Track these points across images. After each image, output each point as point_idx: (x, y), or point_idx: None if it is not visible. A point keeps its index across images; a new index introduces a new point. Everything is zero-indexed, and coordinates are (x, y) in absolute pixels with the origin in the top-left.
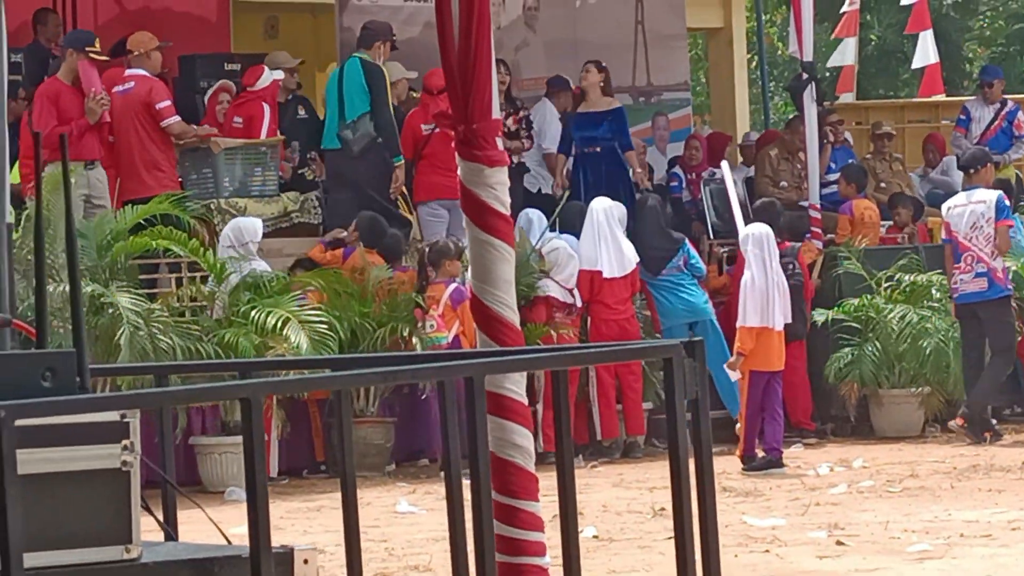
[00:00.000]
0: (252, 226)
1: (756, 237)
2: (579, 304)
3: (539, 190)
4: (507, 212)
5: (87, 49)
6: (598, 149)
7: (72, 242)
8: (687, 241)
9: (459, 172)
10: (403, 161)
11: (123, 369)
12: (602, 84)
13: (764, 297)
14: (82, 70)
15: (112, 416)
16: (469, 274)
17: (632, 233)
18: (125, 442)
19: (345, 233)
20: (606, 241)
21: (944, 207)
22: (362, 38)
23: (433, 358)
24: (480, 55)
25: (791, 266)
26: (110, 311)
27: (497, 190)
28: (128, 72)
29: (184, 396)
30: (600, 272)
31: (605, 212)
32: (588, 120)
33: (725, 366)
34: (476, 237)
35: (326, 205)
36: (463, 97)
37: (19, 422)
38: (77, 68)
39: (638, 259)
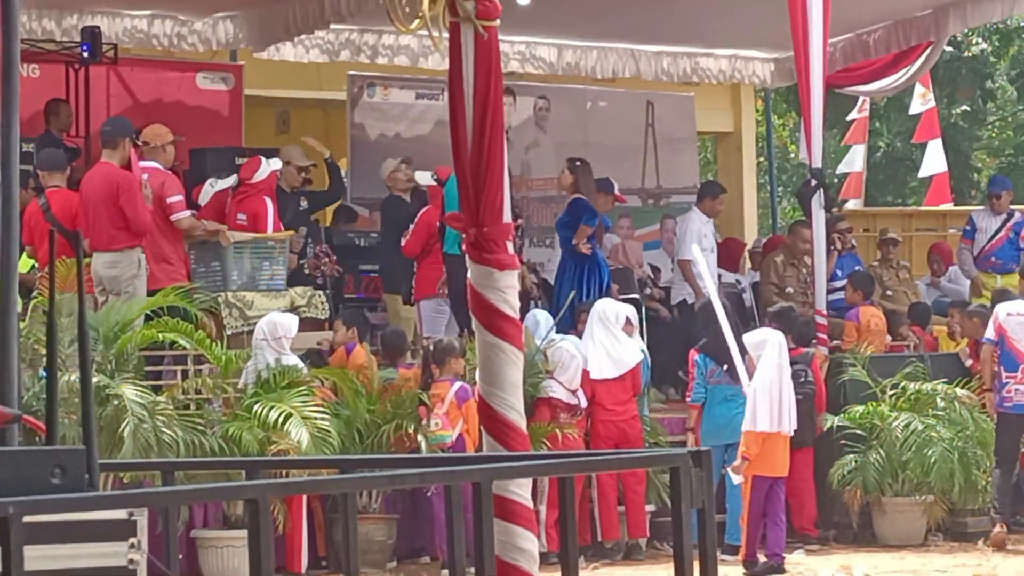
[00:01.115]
0: (287, 322)
1: (772, 343)
2: (583, 405)
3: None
4: (516, 315)
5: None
6: (565, 249)
7: (84, 342)
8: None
9: (469, 274)
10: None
11: (131, 465)
12: (572, 184)
13: (777, 402)
14: (133, 157)
15: (120, 514)
16: (477, 375)
17: (711, 339)
18: (132, 540)
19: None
20: (600, 342)
21: (1001, 311)
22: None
23: (441, 462)
24: (493, 159)
25: (804, 373)
26: (115, 402)
27: (507, 293)
28: (141, 164)
29: (193, 496)
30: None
31: (599, 312)
32: (562, 220)
33: (729, 469)
34: (485, 340)
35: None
36: (475, 200)
37: (27, 518)
38: (129, 155)
39: (640, 359)
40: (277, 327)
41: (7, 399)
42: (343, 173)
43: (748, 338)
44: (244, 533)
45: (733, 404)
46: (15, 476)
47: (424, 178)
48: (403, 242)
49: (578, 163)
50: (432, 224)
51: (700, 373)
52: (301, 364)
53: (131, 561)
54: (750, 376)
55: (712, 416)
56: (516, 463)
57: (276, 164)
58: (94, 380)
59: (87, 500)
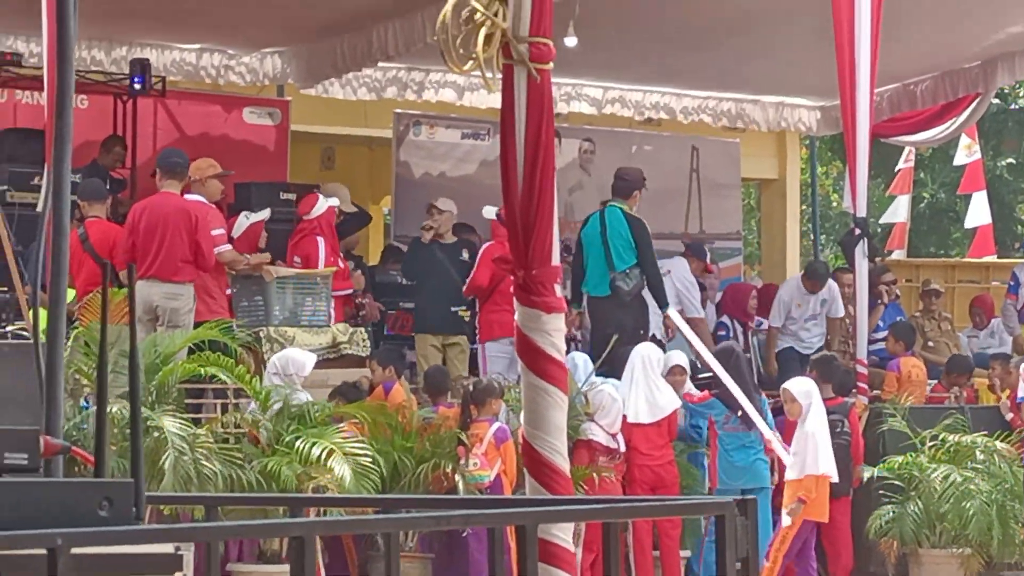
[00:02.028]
0: (301, 360)
1: (816, 390)
2: (622, 449)
3: None
4: (562, 359)
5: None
6: None
7: (135, 375)
8: (764, 397)
9: (516, 316)
10: (669, 310)
11: (176, 498)
12: None
13: (828, 447)
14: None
15: (167, 548)
16: (522, 418)
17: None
18: (178, 574)
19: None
20: (638, 386)
21: None
22: (619, 188)
23: (485, 503)
24: (543, 202)
25: (841, 423)
26: (155, 434)
27: (553, 336)
28: (187, 197)
29: (241, 531)
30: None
31: (641, 357)
32: None
33: (786, 512)
34: (530, 382)
35: (590, 346)
36: (524, 243)
37: (75, 550)
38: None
39: (677, 405)
40: (289, 363)
41: (53, 430)
42: (386, 211)
43: (795, 386)
44: (280, 568)
45: (752, 451)
46: (63, 507)
47: (489, 212)
48: (468, 280)
49: None
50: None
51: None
52: (311, 399)
53: None
54: (793, 421)
55: (731, 461)
56: (562, 507)
57: (333, 200)
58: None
59: (135, 533)
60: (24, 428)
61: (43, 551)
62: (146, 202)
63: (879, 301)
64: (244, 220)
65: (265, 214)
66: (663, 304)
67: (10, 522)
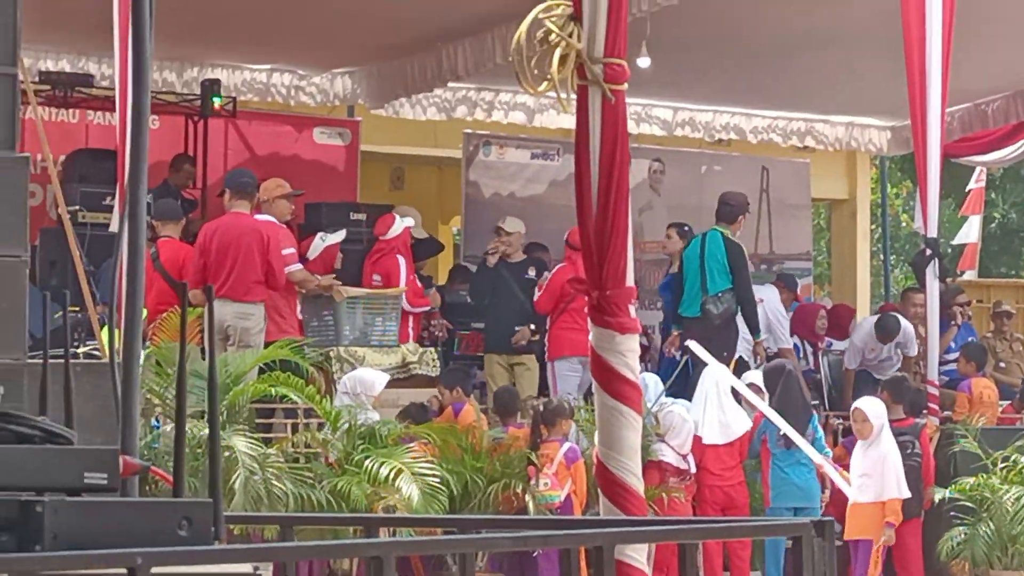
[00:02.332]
0: (370, 380)
1: (884, 412)
2: (693, 470)
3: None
4: (636, 379)
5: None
6: None
7: (213, 395)
8: (816, 415)
9: (591, 337)
10: (763, 337)
11: (252, 518)
12: (683, 248)
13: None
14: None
15: (245, 568)
16: (596, 438)
17: (776, 402)
18: None
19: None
20: (712, 407)
21: None
22: (724, 213)
23: (562, 524)
24: (617, 223)
25: (911, 444)
26: (226, 454)
27: (627, 357)
28: (257, 217)
29: (317, 552)
30: (702, 437)
31: (714, 378)
32: (671, 283)
33: (884, 542)
34: (604, 403)
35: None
36: (598, 264)
37: (155, 569)
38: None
39: (748, 427)
40: (358, 383)
41: (129, 449)
42: (456, 231)
43: (867, 406)
44: None
45: (807, 468)
46: (143, 527)
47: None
48: (536, 297)
49: (686, 228)
50: (564, 282)
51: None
52: (378, 418)
53: None
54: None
55: (787, 478)
56: (639, 528)
57: (409, 221)
58: (204, 432)
59: (215, 553)
60: (103, 448)
61: (123, 570)
62: (217, 222)
63: (952, 322)
64: (320, 242)
65: (341, 235)
66: (755, 330)
67: (91, 541)
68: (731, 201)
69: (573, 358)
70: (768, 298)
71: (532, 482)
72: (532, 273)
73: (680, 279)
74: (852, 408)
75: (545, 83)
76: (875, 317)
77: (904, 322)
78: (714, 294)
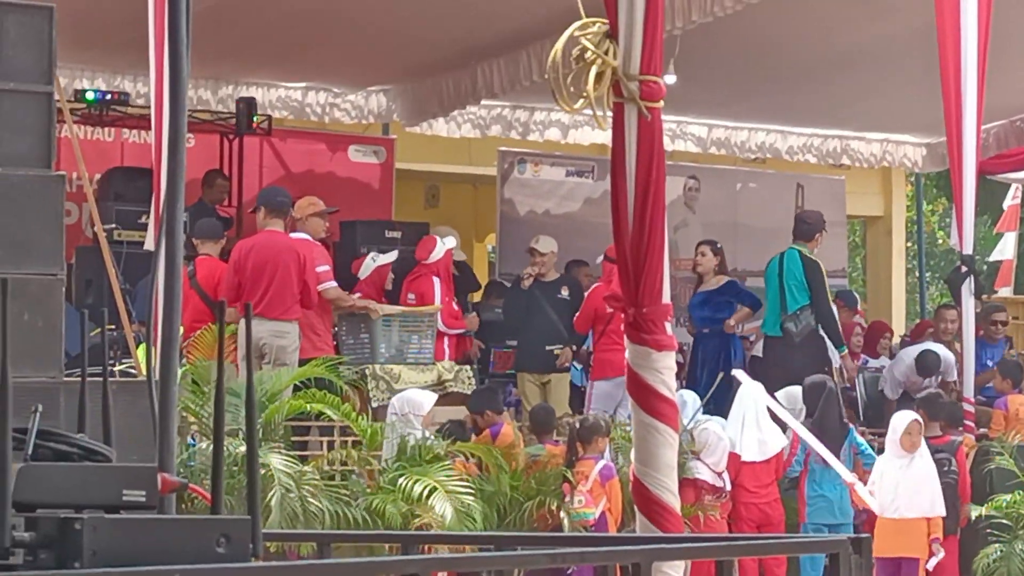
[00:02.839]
0: (419, 399)
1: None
2: (728, 487)
3: None
4: (673, 397)
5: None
6: (706, 330)
7: (252, 414)
8: (853, 427)
9: (627, 354)
10: (846, 351)
11: (290, 535)
12: (716, 266)
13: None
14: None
15: None
16: (632, 455)
17: (815, 420)
18: None
19: None
20: (749, 424)
21: None
22: (801, 231)
23: (599, 541)
24: (653, 241)
25: (948, 462)
26: (262, 471)
27: (664, 374)
28: (292, 235)
29: (355, 569)
30: (739, 455)
31: (752, 395)
32: (704, 300)
33: (935, 563)
34: (641, 420)
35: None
36: (634, 281)
37: None
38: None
39: (784, 444)
40: (406, 403)
41: (166, 466)
42: (490, 248)
43: (907, 421)
44: None
45: (842, 485)
46: (181, 544)
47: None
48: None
49: (719, 245)
50: (600, 303)
51: (802, 449)
52: (431, 439)
53: None
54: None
55: (822, 494)
56: (677, 544)
57: (451, 243)
58: (241, 449)
59: (253, 570)
60: (142, 465)
61: None
62: (252, 240)
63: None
64: (371, 262)
65: (392, 256)
66: (838, 344)
67: (129, 558)
68: (808, 219)
69: (616, 379)
70: None
71: (567, 500)
72: (565, 293)
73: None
74: (907, 420)
75: (581, 100)
76: (915, 350)
77: (944, 353)
78: (792, 312)
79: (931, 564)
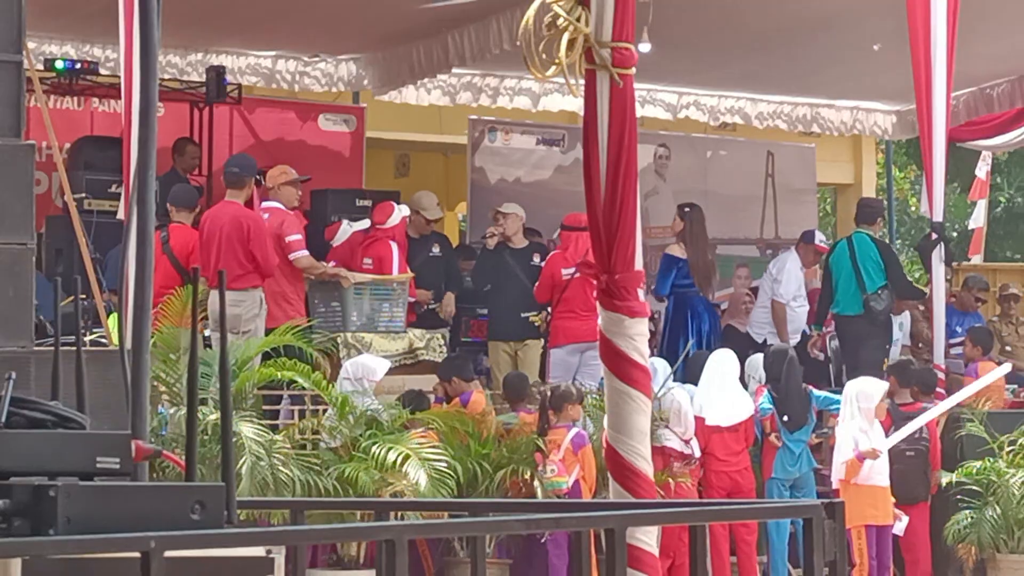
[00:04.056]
0: (373, 367)
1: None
2: (697, 454)
3: (764, 340)
4: (646, 363)
5: (257, 178)
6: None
7: (225, 381)
8: (812, 389)
9: (599, 321)
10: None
11: (264, 503)
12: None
13: None
14: (255, 197)
15: (258, 551)
16: (605, 422)
17: (779, 388)
18: None
19: None
20: (715, 389)
21: None
22: (865, 215)
23: (574, 507)
24: (625, 207)
25: (919, 430)
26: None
27: (637, 341)
28: (264, 204)
29: (331, 535)
30: (705, 420)
31: (718, 362)
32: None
33: (901, 528)
34: (614, 387)
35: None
36: (607, 248)
37: (167, 553)
38: (253, 194)
39: (752, 411)
40: (361, 368)
41: (140, 434)
42: (461, 217)
43: (875, 388)
44: (356, 574)
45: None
46: (156, 511)
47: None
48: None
49: (687, 209)
50: (557, 272)
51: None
52: (380, 407)
53: None
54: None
55: (784, 453)
56: (650, 510)
57: (405, 211)
58: (212, 417)
59: (228, 536)
60: (116, 433)
61: (137, 554)
62: (213, 211)
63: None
64: (347, 228)
65: (366, 224)
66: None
67: (104, 525)
68: (871, 204)
69: (567, 346)
70: (790, 268)
71: (540, 468)
72: (537, 259)
73: (829, 283)
74: (881, 388)
75: (553, 68)
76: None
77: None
78: (874, 292)
79: (899, 530)
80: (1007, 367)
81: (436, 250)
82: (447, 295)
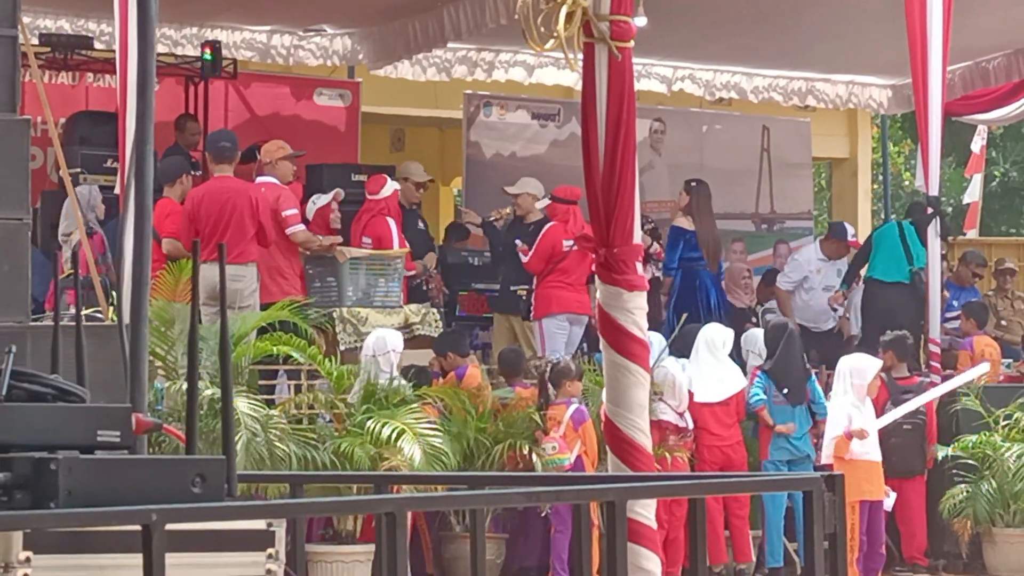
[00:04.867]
0: (393, 338)
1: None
2: (691, 427)
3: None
4: (644, 337)
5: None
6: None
7: (226, 356)
8: (815, 375)
9: (598, 295)
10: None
11: (264, 477)
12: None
13: None
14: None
15: (259, 524)
16: (604, 396)
17: (777, 361)
18: (270, 550)
19: None
20: (705, 364)
21: None
22: (914, 212)
23: (573, 480)
24: (624, 181)
25: None
26: None
27: (635, 314)
28: (259, 179)
29: (331, 507)
30: (695, 395)
31: (707, 336)
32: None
33: (891, 504)
34: (612, 360)
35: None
36: (605, 222)
37: (169, 526)
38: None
39: (743, 387)
40: (384, 342)
41: (140, 408)
42: (456, 192)
43: (868, 365)
44: (353, 549)
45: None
46: (156, 484)
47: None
48: (525, 259)
49: (693, 184)
50: (558, 242)
51: (760, 387)
52: (405, 382)
53: (269, 571)
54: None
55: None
56: (650, 483)
57: (395, 185)
58: (208, 392)
59: (229, 509)
60: (116, 406)
61: (138, 527)
62: (203, 188)
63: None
64: (312, 205)
65: (329, 197)
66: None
67: (105, 498)
68: (923, 212)
69: (560, 315)
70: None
71: (540, 446)
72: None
73: (867, 248)
74: (875, 365)
75: (551, 41)
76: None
77: None
78: (920, 268)
79: (887, 505)
80: (985, 367)
81: (421, 225)
82: (428, 255)
